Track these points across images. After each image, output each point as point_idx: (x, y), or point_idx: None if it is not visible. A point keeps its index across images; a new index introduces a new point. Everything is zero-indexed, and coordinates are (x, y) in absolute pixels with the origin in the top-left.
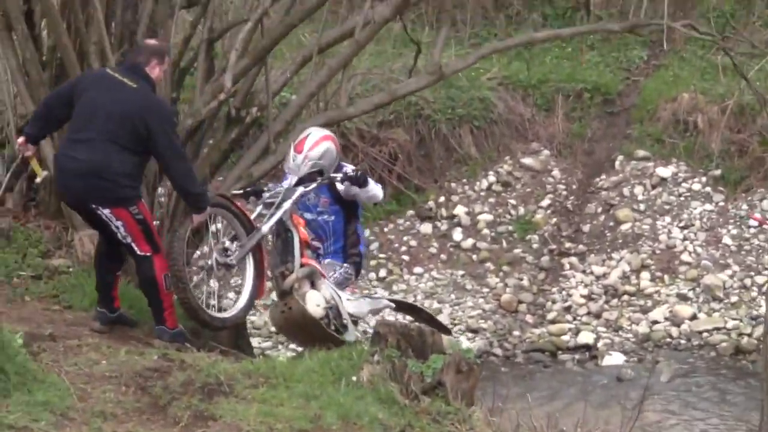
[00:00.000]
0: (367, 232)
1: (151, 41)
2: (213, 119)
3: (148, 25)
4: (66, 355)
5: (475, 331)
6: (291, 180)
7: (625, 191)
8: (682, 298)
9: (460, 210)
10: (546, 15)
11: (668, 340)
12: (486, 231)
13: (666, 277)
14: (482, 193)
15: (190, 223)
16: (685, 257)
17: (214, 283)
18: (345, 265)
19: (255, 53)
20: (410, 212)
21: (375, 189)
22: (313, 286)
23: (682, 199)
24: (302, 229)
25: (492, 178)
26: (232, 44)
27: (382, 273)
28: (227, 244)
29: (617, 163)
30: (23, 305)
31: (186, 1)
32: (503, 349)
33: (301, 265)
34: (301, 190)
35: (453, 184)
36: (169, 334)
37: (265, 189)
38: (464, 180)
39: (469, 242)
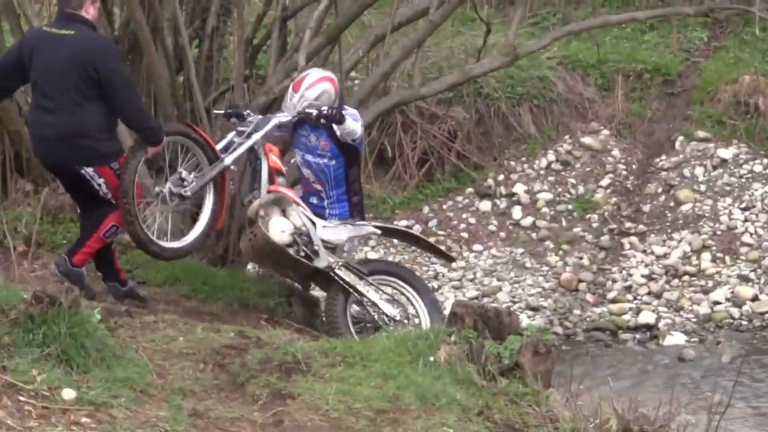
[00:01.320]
0: (425, 209)
1: None
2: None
3: (221, 2)
4: (143, 331)
5: (535, 309)
6: None
7: (686, 172)
8: (744, 279)
9: (519, 188)
10: None
11: (730, 320)
12: (545, 209)
13: (727, 258)
14: (541, 172)
15: (143, 154)
16: (746, 239)
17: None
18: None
19: (328, 32)
20: (469, 190)
21: (353, 125)
22: (284, 213)
23: (743, 180)
24: (273, 157)
25: (551, 156)
26: (305, 23)
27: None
28: (184, 174)
29: (677, 143)
30: (97, 281)
31: None
32: (564, 328)
33: (268, 192)
34: (275, 120)
35: (512, 163)
36: (70, 270)
37: (246, 112)
38: (523, 158)
39: (528, 220)
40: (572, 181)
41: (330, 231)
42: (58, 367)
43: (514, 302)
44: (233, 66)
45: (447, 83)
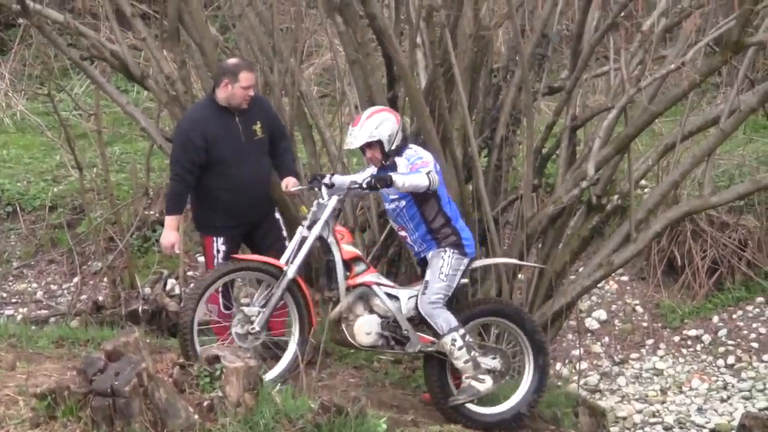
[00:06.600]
0: (715, 319)
1: (232, 60)
2: (574, 206)
3: (510, 111)
4: None
5: None
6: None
7: None
8: None
9: None
10: None
11: None
12: None
13: None
14: None
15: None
16: None
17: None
18: (446, 251)
19: (618, 141)
20: (759, 299)
21: (410, 180)
22: (368, 305)
23: None
24: (345, 246)
25: None
26: (595, 132)
27: (731, 360)
28: (246, 311)
29: None
30: (383, 390)
31: (548, 89)
32: None
33: (347, 288)
34: (332, 204)
35: None
36: None
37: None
38: None
39: None
40: None
41: (416, 301)
42: None
43: None
44: (522, 175)
45: (738, 192)
